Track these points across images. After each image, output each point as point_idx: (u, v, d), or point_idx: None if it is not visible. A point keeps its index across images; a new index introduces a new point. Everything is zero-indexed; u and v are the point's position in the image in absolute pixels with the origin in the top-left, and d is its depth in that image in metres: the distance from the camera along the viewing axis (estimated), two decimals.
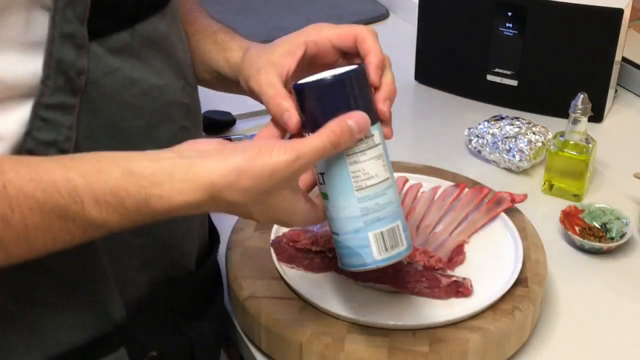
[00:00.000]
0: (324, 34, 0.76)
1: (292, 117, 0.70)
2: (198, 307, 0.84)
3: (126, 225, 0.62)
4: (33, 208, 0.58)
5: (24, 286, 0.66)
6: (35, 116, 0.63)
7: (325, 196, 0.70)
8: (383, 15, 1.68)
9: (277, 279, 0.87)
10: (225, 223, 1.00)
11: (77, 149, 0.65)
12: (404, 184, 1.02)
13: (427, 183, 1.03)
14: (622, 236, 1.01)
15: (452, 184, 1.02)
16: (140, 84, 0.69)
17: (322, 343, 0.80)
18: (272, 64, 0.75)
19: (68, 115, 0.64)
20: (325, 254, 0.88)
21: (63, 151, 0.64)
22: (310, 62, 0.77)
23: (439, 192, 1.01)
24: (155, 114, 0.71)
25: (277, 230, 0.93)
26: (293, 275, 0.88)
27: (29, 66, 0.62)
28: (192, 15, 0.89)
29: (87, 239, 0.63)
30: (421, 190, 1.02)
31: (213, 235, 0.90)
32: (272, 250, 0.90)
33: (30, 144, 0.63)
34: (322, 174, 0.69)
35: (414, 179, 1.03)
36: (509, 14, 1.28)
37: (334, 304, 0.83)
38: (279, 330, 0.82)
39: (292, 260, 0.89)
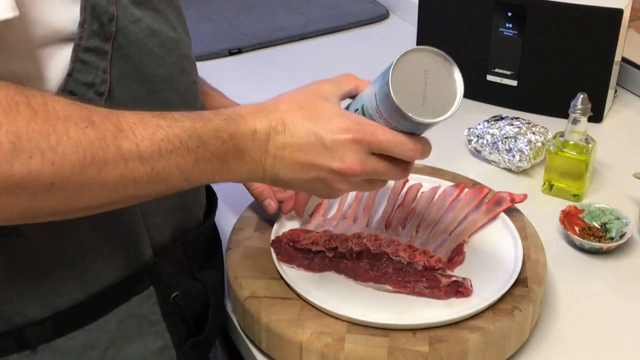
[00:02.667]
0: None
1: (271, 205, 0.94)
2: (205, 257, 0.91)
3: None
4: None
5: (69, 228, 0.71)
6: (75, 58, 0.67)
7: None
8: (383, 16, 1.68)
9: (277, 279, 0.88)
10: (225, 223, 1.00)
11: (111, 93, 0.70)
12: (403, 184, 1.02)
13: (427, 183, 1.03)
14: (621, 236, 1.01)
15: (452, 184, 1.02)
16: (159, 35, 0.74)
17: (322, 343, 0.80)
18: None
19: (102, 60, 0.69)
20: (325, 254, 0.89)
21: (99, 94, 0.69)
22: None
23: (439, 192, 1.01)
24: (173, 65, 0.77)
25: (277, 230, 0.94)
26: (293, 275, 0.88)
27: (68, 12, 0.66)
28: (204, 87, 0.99)
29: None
30: (421, 190, 1.02)
31: (211, 194, 0.94)
32: (272, 250, 0.90)
33: (72, 85, 0.68)
34: None
35: (414, 179, 1.03)
36: (509, 14, 1.28)
37: (334, 304, 0.83)
38: (279, 330, 0.82)
39: (292, 260, 0.89)
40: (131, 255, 0.78)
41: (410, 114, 0.70)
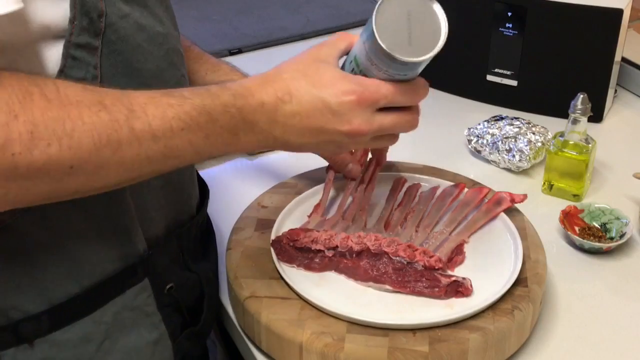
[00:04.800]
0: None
1: (355, 169, 0.99)
2: (199, 249, 0.92)
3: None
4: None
5: (61, 222, 0.73)
6: (66, 55, 0.68)
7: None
8: None
9: (277, 279, 0.88)
10: (225, 223, 1.00)
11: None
12: (402, 184, 1.02)
13: (427, 183, 1.03)
14: (621, 236, 1.01)
15: (451, 184, 1.02)
16: (147, 30, 0.75)
17: (322, 343, 0.80)
18: None
19: (93, 56, 0.70)
20: (324, 254, 0.89)
21: None
22: None
23: (439, 192, 1.01)
24: (162, 59, 0.78)
25: (277, 230, 0.94)
26: (293, 275, 0.88)
27: (59, 9, 0.67)
28: (193, 51, 1.04)
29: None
30: (421, 190, 1.02)
31: (202, 186, 0.96)
32: (272, 250, 0.90)
33: None
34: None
35: (413, 179, 1.03)
36: (509, 14, 1.28)
37: (334, 304, 0.83)
38: (279, 330, 0.82)
39: (292, 260, 0.89)
40: (125, 248, 0.78)
41: (397, 55, 0.72)
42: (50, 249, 0.73)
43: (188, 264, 0.88)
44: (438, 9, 0.75)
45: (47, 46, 0.67)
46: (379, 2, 0.75)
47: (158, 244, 0.82)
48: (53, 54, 0.68)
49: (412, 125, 0.80)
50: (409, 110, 0.79)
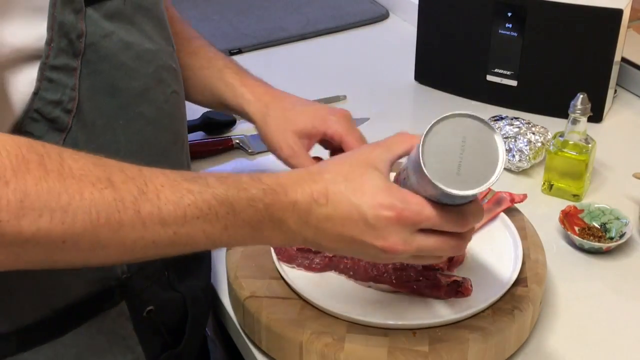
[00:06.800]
0: (336, 129, 0.94)
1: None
2: (187, 266, 0.89)
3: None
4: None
5: None
6: (42, 77, 0.66)
7: None
8: (383, 16, 1.68)
9: (277, 278, 0.88)
10: None
11: (80, 109, 0.69)
12: None
13: None
14: (621, 236, 1.02)
15: None
16: (134, 48, 0.73)
17: (322, 343, 0.80)
18: (295, 135, 0.95)
19: (71, 77, 0.68)
20: (325, 254, 0.89)
21: (67, 111, 0.69)
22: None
23: None
24: (150, 77, 0.75)
25: None
26: (293, 275, 0.88)
27: (33, 31, 0.65)
28: (193, 45, 1.00)
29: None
30: None
31: None
32: (272, 250, 0.90)
33: (38, 104, 0.67)
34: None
35: None
36: (509, 14, 1.28)
37: (334, 304, 0.83)
38: (279, 329, 0.82)
39: (292, 260, 0.89)
40: (101, 271, 0.76)
41: (441, 185, 0.66)
42: (22, 271, 0.69)
43: (173, 283, 0.86)
44: (498, 139, 0.67)
45: (19, 69, 0.65)
46: (433, 122, 0.67)
47: (140, 266, 0.79)
48: (26, 77, 0.66)
49: (458, 250, 0.73)
50: (456, 235, 0.71)
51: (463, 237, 0.72)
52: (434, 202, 0.69)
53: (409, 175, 0.71)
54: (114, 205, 0.60)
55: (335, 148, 0.96)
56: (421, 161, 0.66)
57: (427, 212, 0.68)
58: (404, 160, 0.74)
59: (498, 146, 0.67)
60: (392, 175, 0.74)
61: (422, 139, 0.66)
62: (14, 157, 0.57)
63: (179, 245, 0.64)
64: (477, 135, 0.67)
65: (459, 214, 0.69)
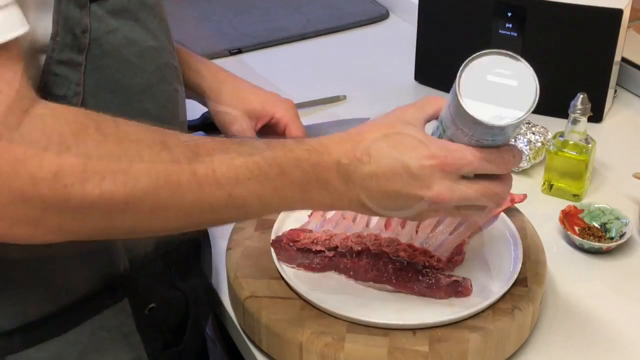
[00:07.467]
0: (283, 115, 1.00)
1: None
2: (189, 265, 0.90)
3: None
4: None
5: None
6: (47, 71, 0.67)
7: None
8: (383, 16, 1.68)
9: (277, 278, 0.88)
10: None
11: (84, 104, 0.69)
12: None
13: None
14: (621, 236, 1.02)
15: None
16: (138, 44, 0.73)
17: (322, 342, 0.80)
18: (246, 114, 1.00)
19: (76, 72, 0.68)
20: (325, 254, 0.89)
21: (72, 106, 0.68)
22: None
23: None
24: (153, 74, 0.76)
25: (277, 230, 0.94)
26: (293, 275, 0.88)
27: (41, 23, 0.65)
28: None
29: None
30: None
31: None
32: (272, 250, 0.90)
33: (44, 98, 0.67)
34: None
35: None
36: (509, 14, 1.28)
37: (334, 304, 0.83)
38: (279, 330, 0.82)
39: (292, 260, 0.89)
40: (105, 268, 0.77)
41: (482, 119, 0.68)
42: (26, 267, 0.72)
43: (175, 281, 0.87)
44: (529, 70, 0.70)
45: (28, 61, 0.65)
46: (465, 62, 0.70)
47: (142, 263, 0.80)
48: (32, 71, 0.66)
49: (500, 198, 0.74)
50: (499, 180, 0.73)
51: (504, 182, 0.74)
52: (474, 146, 0.71)
53: (444, 129, 0.73)
54: (170, 167, 0.61)
55: (277, 135, 0.99)
56: (461, 100, 0.68)
57: (468, 156, 0.70)
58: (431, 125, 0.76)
59: (529, 75, 0.70)
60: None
61: (457, 80, 0.69)
62: (72, 123, 0.58)
63: (234, 208, 0.66)
64: (508, 68, 0.70)
65: (500, 153, 0.71)
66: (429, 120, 0.75)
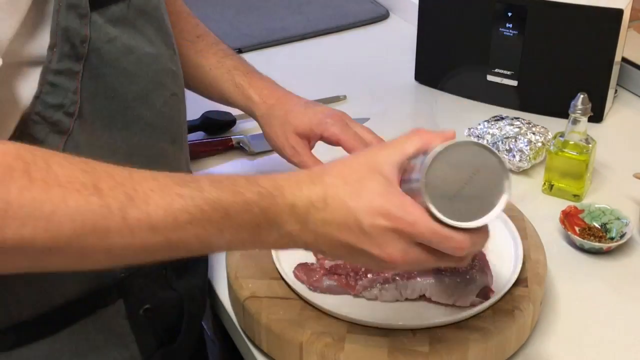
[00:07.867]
0: (333, 132, 0.96)
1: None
2: (186, 264, 0.89)
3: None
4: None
5: None
6: (44, 81, 0.67)
7: None
8: (383, 16, 1.68)
9: (277, 279, 0.87)
10: None
11: (80, 112, 0.70)
12: None
13: None
14: (622, 236, 1.01)
15: None
16: (136, 51, 0.73)
17: (322, 343, 0.80)
18: (296, 136, 0.98)
19: (73, 81, 0.68)
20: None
21: (69, 114, 0.69)
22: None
23: None
24: (150, 80, 0.76)
25: None
26: (293, 275, 0.88)
27: (37, 37, 0.65)
28: (201, 43, 1.02)
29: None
30: None
31: None
32: (272, 250, 0.90)
33: (40, 107, 0.67)
34: None
35: None
36: (509, 14, 1.28)
37: (334, 304, 0.83)
38: (279, 330, 0.82)
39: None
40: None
41: (436, 212, 0.64)
42: None
43: (170, 281, 0.86)
44: (507, 185, 0.65)
45: (21, 74, 0.65)
46: (445, 145, 0.64)
47: (138, 265, 0.78)
48: (29, 81, 0.66)
49: (463, 262, 0.70)
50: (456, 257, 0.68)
51: (463, 258, 0.69)
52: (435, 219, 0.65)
53: (412, 178, 0.67)
54: (99, 212, 0.59)
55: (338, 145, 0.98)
56: (423, 186, 0.64)
57: (421, 228, 0.65)
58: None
59: (504, 190, 0.65)
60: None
61: (427, 159, 0.64)
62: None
63: (173, 251, 0.63)
64: (487, 172, 0.65)
65: (458, 237, 0.65)
66: (407, 160, 0.68)
